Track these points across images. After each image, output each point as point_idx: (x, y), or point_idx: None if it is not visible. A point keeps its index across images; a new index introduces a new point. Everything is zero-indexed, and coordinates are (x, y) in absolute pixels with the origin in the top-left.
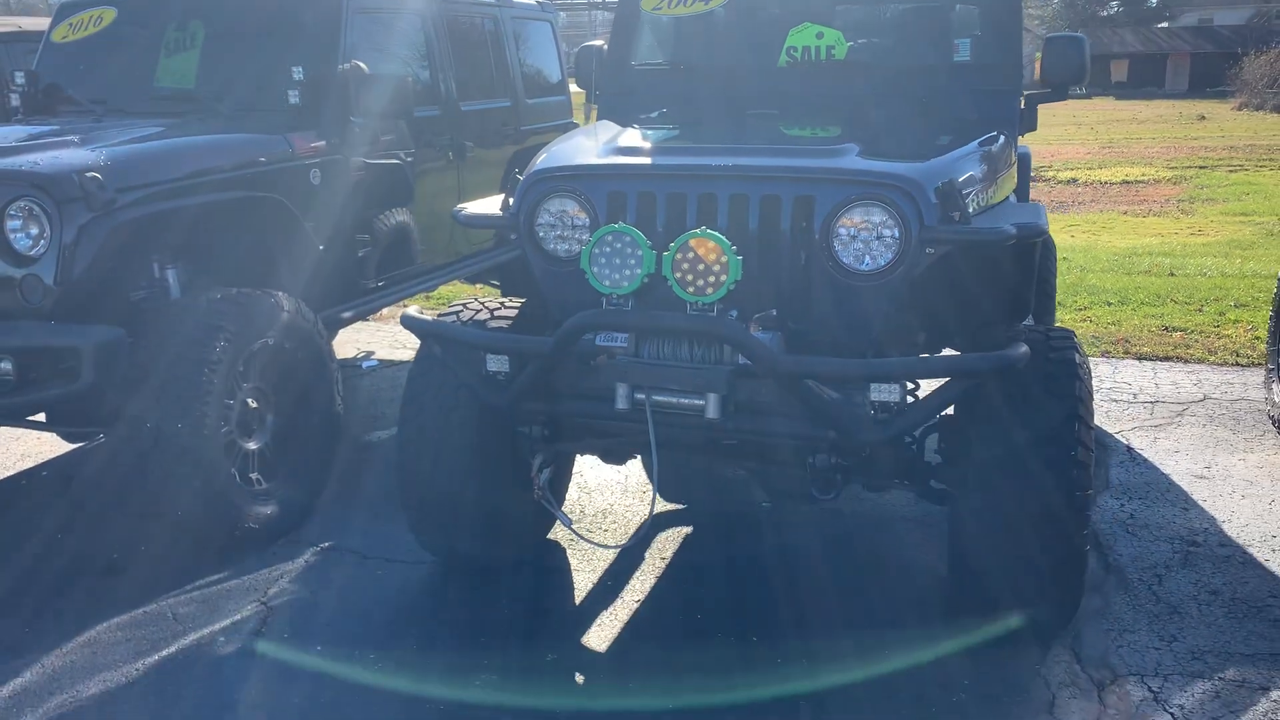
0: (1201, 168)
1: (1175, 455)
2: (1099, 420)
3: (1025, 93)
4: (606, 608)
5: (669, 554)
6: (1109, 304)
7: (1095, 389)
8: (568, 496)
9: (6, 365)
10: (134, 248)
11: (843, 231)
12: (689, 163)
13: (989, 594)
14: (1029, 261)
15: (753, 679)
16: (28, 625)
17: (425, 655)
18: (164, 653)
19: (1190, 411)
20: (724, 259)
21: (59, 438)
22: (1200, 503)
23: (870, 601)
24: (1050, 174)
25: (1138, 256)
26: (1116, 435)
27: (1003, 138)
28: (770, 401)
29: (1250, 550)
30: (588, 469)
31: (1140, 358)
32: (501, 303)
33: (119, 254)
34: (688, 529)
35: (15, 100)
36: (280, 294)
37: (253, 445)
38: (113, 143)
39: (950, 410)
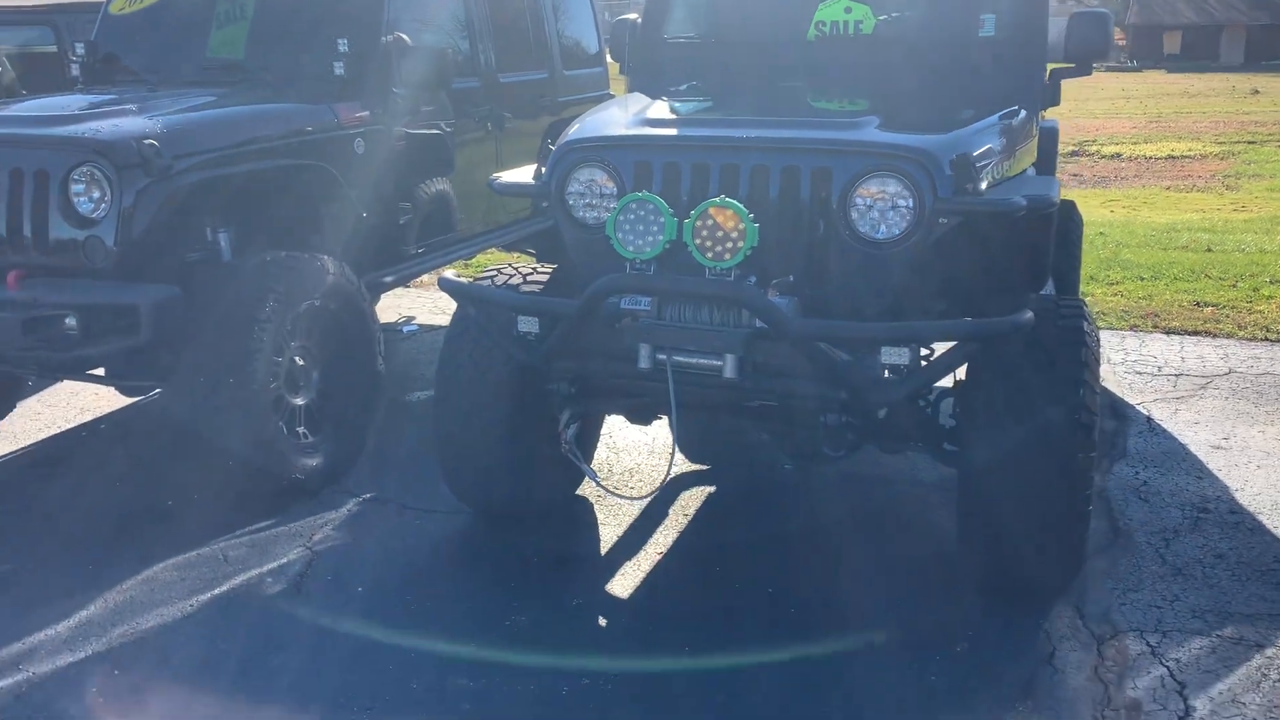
0: (1250, 143)
1: (1195, 426)
2: (1121, 392)
3: (1050, 67)
4: (630, 559)
5: (691, 511)
6: (1141, 279)
7: (1120, 361)
8: (597, 456)
9: (71, 320)
10: (189, 211)
11: (859, 201)
12: (712, 134)
13: (994, 552)
14: (1045, 232)
15: (766, 628)
16: (91, 564)
17: (458, 600)
18: (216, 591)
19: (1214, 385)
20: (741, 226)
21: (117, 392)
22: (1215, 472)
23: (883, 558)
24: (1094, 148)
25: (1176, 232)
26: (1137, 406)
27: (1024, 112)
28: (785, 363)
29: (1260, 517)
30: (616, 430)
31: (1169, 332)
32: (534, 268)
33: (174, 217)
34: (711, 489)
35: (76, 70)
36: (326, 257)
37: (299, 401)
38: (168, 111)
39: (964, 375)
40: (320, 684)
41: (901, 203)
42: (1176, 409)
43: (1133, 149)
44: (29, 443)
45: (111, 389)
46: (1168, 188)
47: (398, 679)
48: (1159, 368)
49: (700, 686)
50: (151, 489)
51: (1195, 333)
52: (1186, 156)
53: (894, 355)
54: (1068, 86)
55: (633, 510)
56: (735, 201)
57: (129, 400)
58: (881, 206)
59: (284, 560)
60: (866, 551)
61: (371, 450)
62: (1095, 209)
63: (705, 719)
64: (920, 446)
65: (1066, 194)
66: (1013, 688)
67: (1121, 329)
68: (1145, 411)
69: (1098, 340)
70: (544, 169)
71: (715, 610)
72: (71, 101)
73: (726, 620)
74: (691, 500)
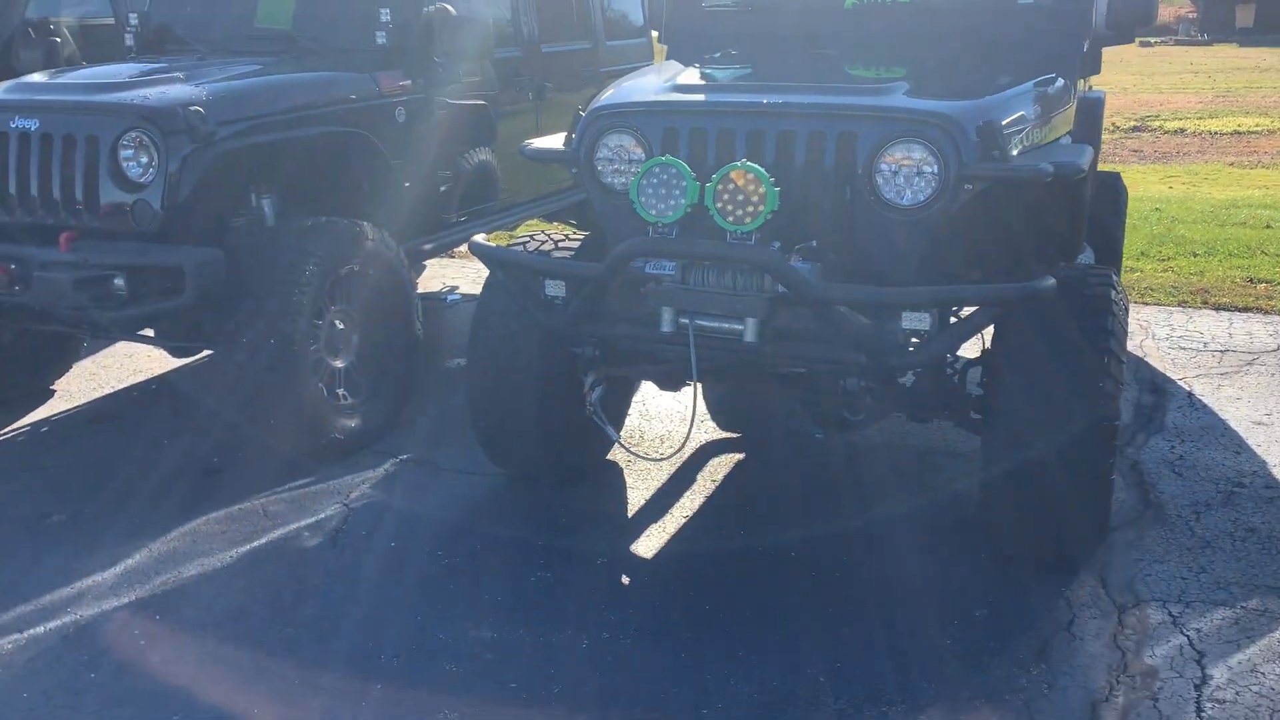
0: None
1: (1236, 402)
2: (1164, 367)
3: (1090, 36)
4: (656, 520)
5: (719, 477)
6: (1195, 255)
7: (1165, 337)
8: (630, 423)
9: (119, 281)
10: (233, 177)
11: (885, 167)
12: (738, 100)
13: (1015, 521)
14: (1077, 201)
15: (785, 589)
16: (137, 517)
17: (487, 555)
18: (255, 544)
19: (1261, 361)
20: (762, 190)
21: (166, 354)
22: (1254, 447)
23: (907, 525)
24: (1157, 124)
25: (1236, 209)
26: (1179, 381)
27: (1061, 80)
28: (806, 327)
29: None
30: (650, 398)
31: (1218, 308)
32: (566, 235)
33: (219, 182)
34: (740, 455)
35: (130, 40)
36: (365, 224)
37: (339, 363)
38: (214, 79)
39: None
40: (350, 633)
41: (927, 169)
42: (1219, 384)
43: (1197, 124)
44: (84, 401)
45: (162, 351)
46: (1231, 164)
47: (424, 629)
48: (1205, 343)
49: (720, 643)
50: (196, 446)
51: (1245, 309)
52: (1254, 132)
53: (915, 321)
54: (1134, 61)
55: (661, 475)
56: (756, 165)
57: (179, 362)
58: (907, 172)
59: (321, 516)
60: (891, 518)
61: (410, 413)
62: (1154, 185)
63: (724, 674)
64: (947, 415)
65: (1126, 170)
66: (1028, 652)
67: (1169, 305)
68: (1187, 387)
69: (1126, 310)
70: (574, 135)
71: (735, 570)
72: (123, 70)
73: (746, 581)
74: (720, 466)
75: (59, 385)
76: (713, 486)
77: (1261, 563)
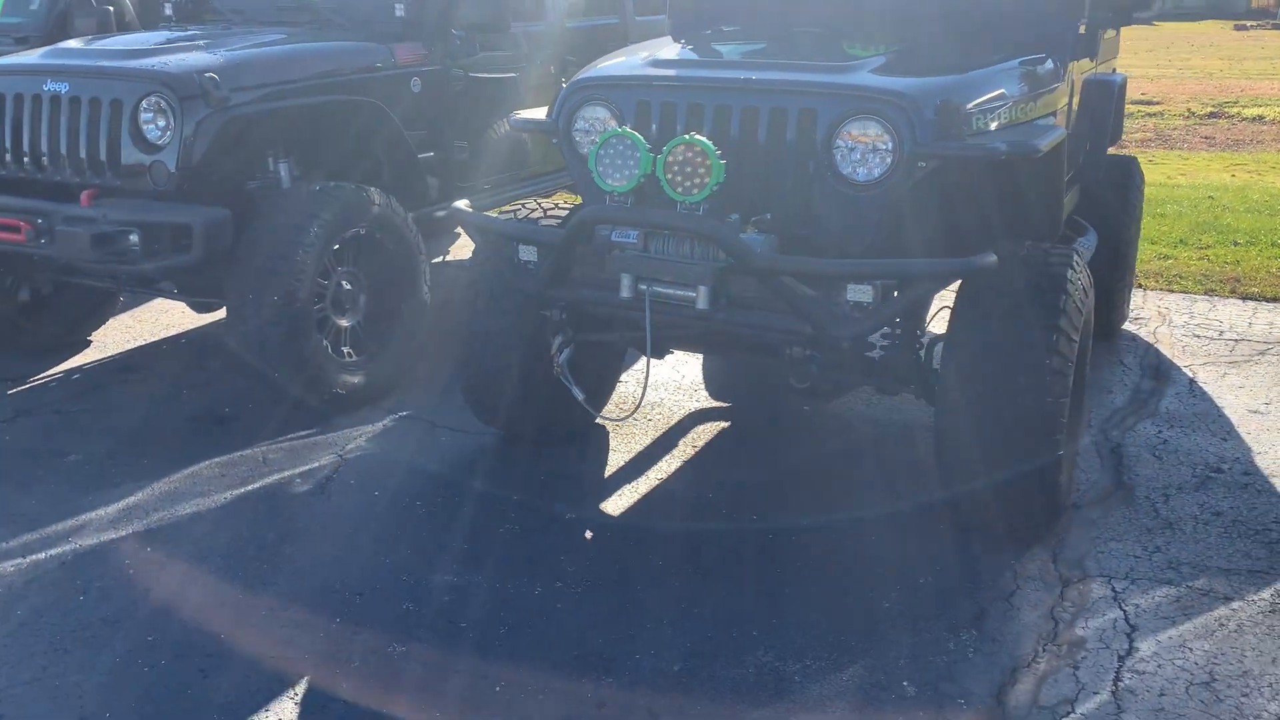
0: None
1: (1238, 391)
2: (1173, 353)
3: (1084, 17)
4: (630, 482)
5: (701, 444)
6: (1235, 244)
7: (1182, 324)
8: (623, 390)
9: (134, 237)
10: (248, 142)
11: (842, 143)
12: (706, 75)
13: (967, 495)
14: (1050, 181)
15: (737, 551)
16: (146, 459)
17: (462, 507)
18: (249, 487)
19: (1274, 351)
20: (708, 162)
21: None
22: (1243, 435)
23: (875, 497)
24: (1236, 110)
25: None
26: (1184, 369)
27: (1051, 61)
28: (758, 297)
29: (1274, 481)
30: (651, 368)
31: (1246, 297)
32: (556, 204)
33: (234, 146)
34: (725, 424)
35: (169, 10)
36: (372, 189)
37: (345, 322)
38: (233, 48)
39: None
40: (320, 573)
41: (881, 145)
42: (1225, 373)
43: (1278, 112)
44: (115, 352)
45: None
46: None
47: (391, 572)
48: (1220, 332)
49: (664, 597)
50: (212, 397)
51: (1274, 299)
52: None
53: (859, 293)
54: (1226, 44)
55: (645, 439)
56: (703, 139)
57: (209, 317)
58: (863, 149)
59: (315, 465)
60: (860, 489)
61: (418, 373)
62: (1217, 173)
63: (662, 625)
64: (912, 389)
65: (1192, 157)
66: (963, 618)
67: (1195, 293)
68: (1190, 374)
69: (1085, 290)
70: (554, 107)
71: (695, 532)
72: (152, 38)
73: (702, 541)
74: (704, 434)
75: (96, 336)
76: (692, 453)
77: (1219, 545)
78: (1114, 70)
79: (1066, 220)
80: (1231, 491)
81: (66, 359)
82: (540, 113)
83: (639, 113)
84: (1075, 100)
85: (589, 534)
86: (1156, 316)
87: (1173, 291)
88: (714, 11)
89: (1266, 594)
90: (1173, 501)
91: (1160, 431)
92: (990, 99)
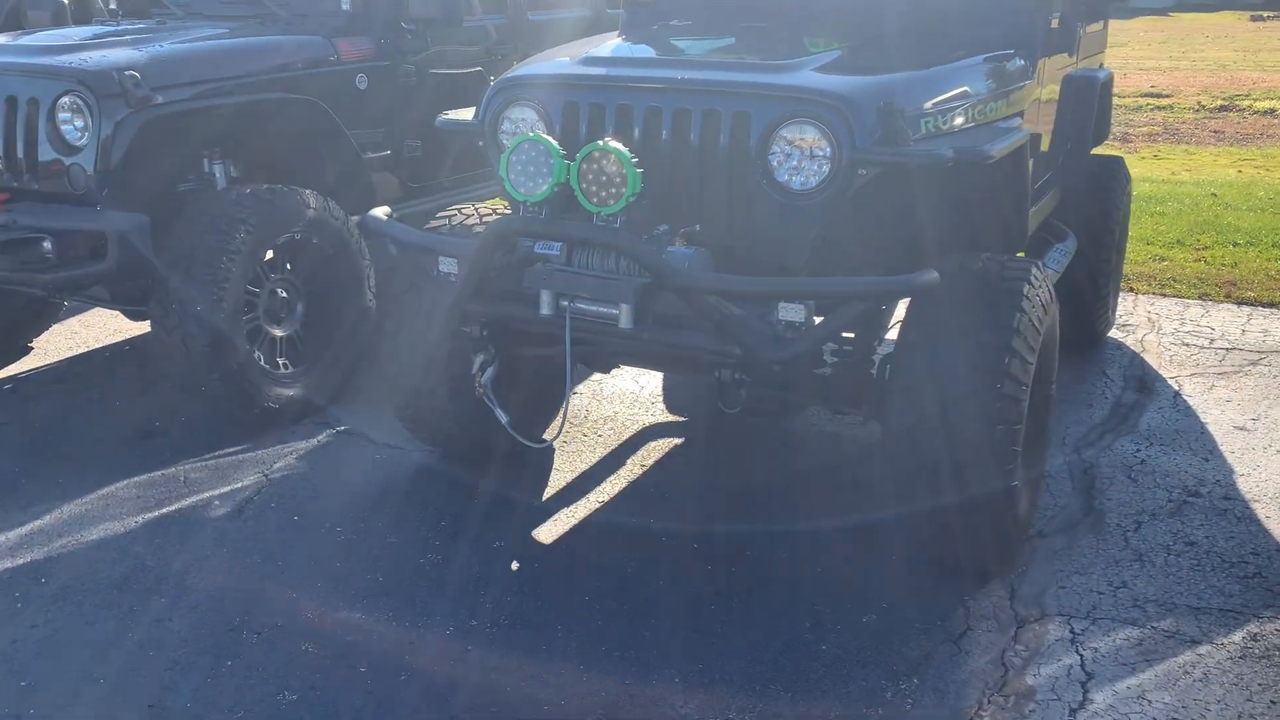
0: None
1: (1225, 405)
2: (1159, 363)
3: (1055, 12)
4: (568, 506)
5: (649, 462)
6: (1235, 244)
7: (1171, 331)
8: (578, 403)
9: (47, 244)
10: (174, 142)
11: (778, 149)
12: (634, 75)
13: (916, 523)
14: (1012, 187)
15: (670, 584)
16: (63, 477)
17: (385, 534)
18: (163, 510)
19: (1267, 361)
20: (624, 171)
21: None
22: (1227, 454)
23: (828, 521)
24: (1247, 103)
25: None
26: (1170, 380)
27: (1019, 58)
28: (686, 315)
29: (1255, 506)
30: (608, 380)
31: (1241, 302)
32: (494, 209)
33: (159, 147)
34: (679, 440)
35: (113, 3)
36: (307, 192)
37: (280, 332)
38: (162, 44)
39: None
40: (218, 607)
41: (819, 151)
42: (1212, 385)
43: None
44: (54, 360)
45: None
46: None
47: (293, 607)
48: (1211, 340)
49: (577, 637)
50: (145, 410)
51: (1271, 304)
52: None
53: (790, 312)
54: (1242, 36)
55: (591, 457)
56: (618, 145)
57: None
58: (799, 155)
59: (237, 485)
60: (814, 513)
61: (359, 385)
62: (1223, 168)
63: (567, 669)
64: (863, 410)
65: (1199, 152)
66: (904, 664)
67: (1189, 297)
68: (1176, 386)
69: (1045, 306)
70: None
71: (627, 561)
72: (80, 33)
73: (634, 573)
74: (654, 452)
75: (38, 343)
76: (639, 473)
77: (1189, 580)
78: (1101, 65)
79: (1044, 224)
80: (1208, 518)
81: (3, 367)
82: (469, 113)
83: (566, 115)
84: (1049, 98)
85: (515, 565)
86: (1146, 323)
87: (1165, 296)
88: (672, 5)
89: (1237, 637)
90: (1144, 530)
91: (1138, 450)
92: (946, 99)
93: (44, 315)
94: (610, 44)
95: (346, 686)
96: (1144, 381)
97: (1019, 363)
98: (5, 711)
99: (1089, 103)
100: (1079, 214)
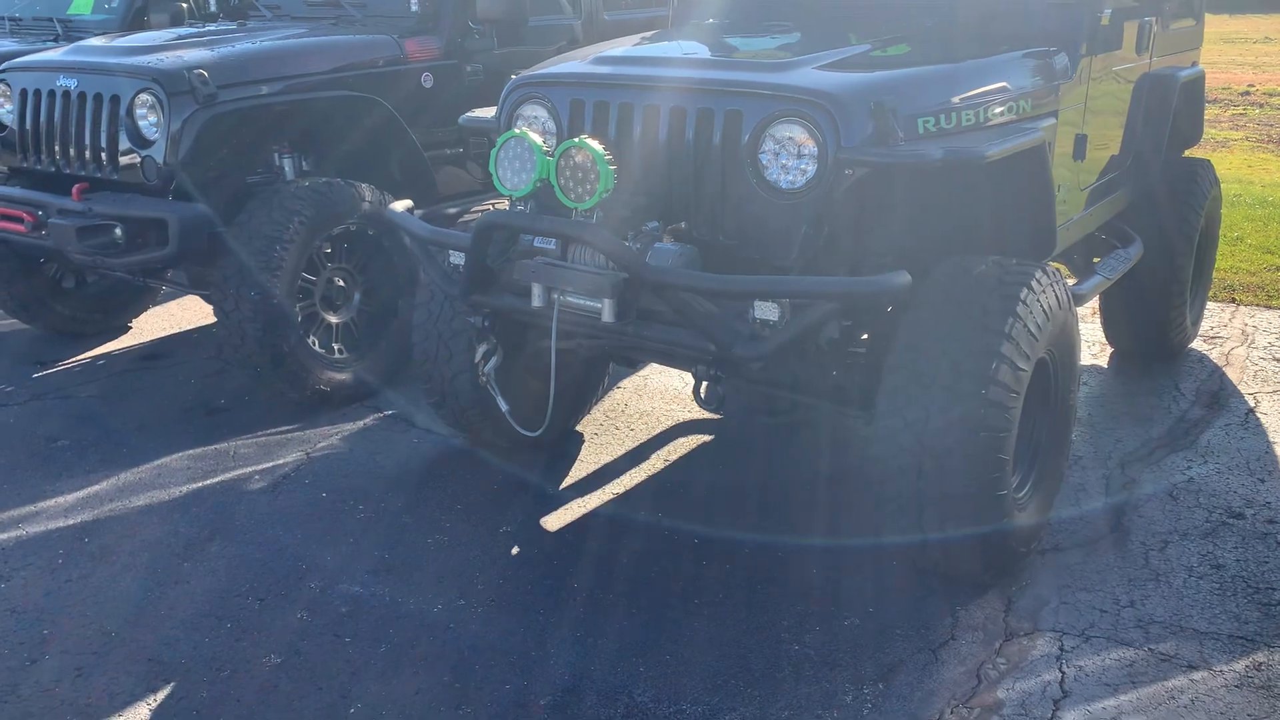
0: None
1: None
2: (1239, 378)
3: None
4: (582, 496)
5: (673, 458)
6: None
7: (1265, 346)
8: (618, 397)
9: (118, 231)
10: (241, 137)
11: (768, 147)
12: (634, 73)
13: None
14: (1036, 189)
15: (664, 576)
16: (125, 448)
17: (402, 514)
18: (207, 482)
19: None
20: (597, 168)
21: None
22: None
23: (840, 524)
24: None
25: None
26: (1246, 396)
27: (1060, 56)
28: (668, 311)
29: None
30: (654, 375)
31: None
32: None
33: (225, 141)
34: (708, 437)
35: (213, 5)
36: (363, 186)
37: (336, 319)
38: (235, 45)
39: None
40: (234, 573)
41: (807, 150)
42: None
43: None
44: (148, 339)
45: None
46: None
47: (302, 576)
48: None
49: (565, 622)
50: (216, 389)
51: None
52: None
53: (765, 310)
54: None
55: (617, 449)
56: (592, 143)
57: None
58: (788, 154)
59: (278, 462)
60: (825, 513)
61: (412, 372)
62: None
63: (548, 653)
64: (861, 412)
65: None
66: (874, 669)
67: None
68: (1251, 403)
69: (1048, 313)
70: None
71: (629, 554)
72: (164, 35)
73: (633, 565)
74: (681, 448)
75: (137, 323)
76: (661, 467)
77: (1205, 604)
78: (1194, 64)
79: (1109, 228)
80: (1245, 542)
81: (101, 344)
82: (491, 111)
83: (573, 112)
84: (1105, 98)
85: (515, 550)
86: (1238, 336)
87: (1270, 308)
88: (718, 4)
89: (1239, 665)
90: (1170, 550)
91: (1189, 468)
92: (955, 98)
93: (143, 297)
94: (630, 43)
95: (329, 655)
96: (1217, 397)
97: (1008, 368)
98: (23, 655)
99: (1165, 103)
100: (1152, 220)
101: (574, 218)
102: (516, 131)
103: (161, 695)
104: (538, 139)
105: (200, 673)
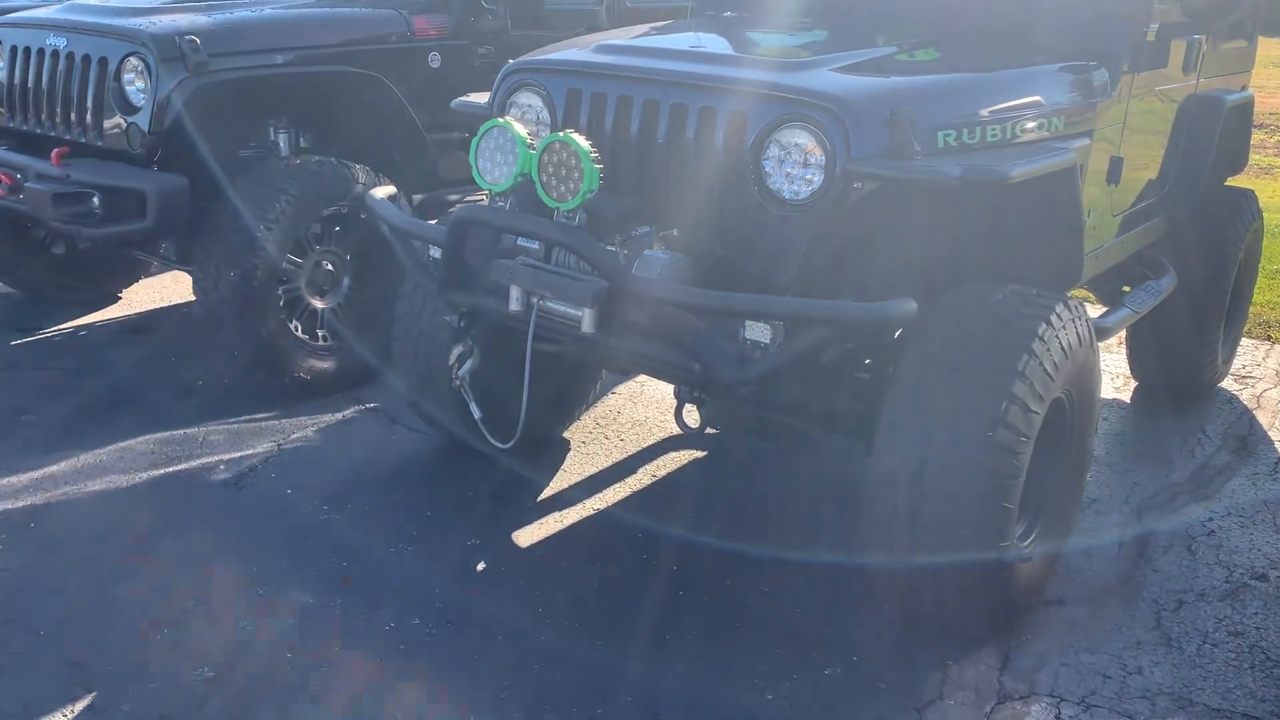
0: None
1: None
2: (1270, 423)
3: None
4: (560, 510)
5: (661, 473)
6: None
7: None
8: (610, 403)
9: (96, 200)
10: (233, 108)
11: (772, 154)
12: (636, 65)
13: (894, 575)
14: (1063, 214)
15: (634, 603)
16: (92, 426)
17: (367, 519)
18: (169, 469)
19: None
20: (582, 166)
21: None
22: None
23: (831, 553)
24: None
25: None
26: (1277, 442)
27: (1100, 72)
28: (654, 325)
29: None
30: (650, 382)
31: None
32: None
33: (215, 112)
34: (701, 452)
35: None
36: (357, 167)
37: (321, 304)
38: (233, 12)
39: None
40: (181, 575)
41: (813, 159)
42: None
43: None
44: (134, 311)
45: None
46: None
47: (251, 583)
48: None
49: (513, 648)
50: (195, 368)
51: None
52: None
53: (756, 331)
54: None
55: (604, 460)
56: (577, 139)
57: None
58: (793, 162)
59: (247, 452)
60: (815, 544)
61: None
62: None
63: (500, 680)
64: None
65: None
66: None
67: None
68: None
69: (1066, 351)
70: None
71: (600, 578)
72: None
73: (604, 590)
74: (671, 462)
75: (127, 294)
76: (648, 482)
77: (1219, 676)
78: (1244, 87)
79: (1143, 257)
80: (1268, 607)
81: (86, 314)
82: (486, 97)
83: (569, 102)
84: (1145, 118)
85: (481, 566)
86: (1272, 377)
87: None
88: None
89: None
90: (1185, 610)
91: (1211, 520)
92: (980, 111)
93: (135, 268)
94: (638, 32)
95: (267, 671)
96: (1245, 442)
97: (1019, 410)
98: None
99: (1209, 128)
100: (1188, 250)
101: (555, 218)
102: (500, 121)
103: (79, 707)
104: (521, 130)
105: (125, 684)
